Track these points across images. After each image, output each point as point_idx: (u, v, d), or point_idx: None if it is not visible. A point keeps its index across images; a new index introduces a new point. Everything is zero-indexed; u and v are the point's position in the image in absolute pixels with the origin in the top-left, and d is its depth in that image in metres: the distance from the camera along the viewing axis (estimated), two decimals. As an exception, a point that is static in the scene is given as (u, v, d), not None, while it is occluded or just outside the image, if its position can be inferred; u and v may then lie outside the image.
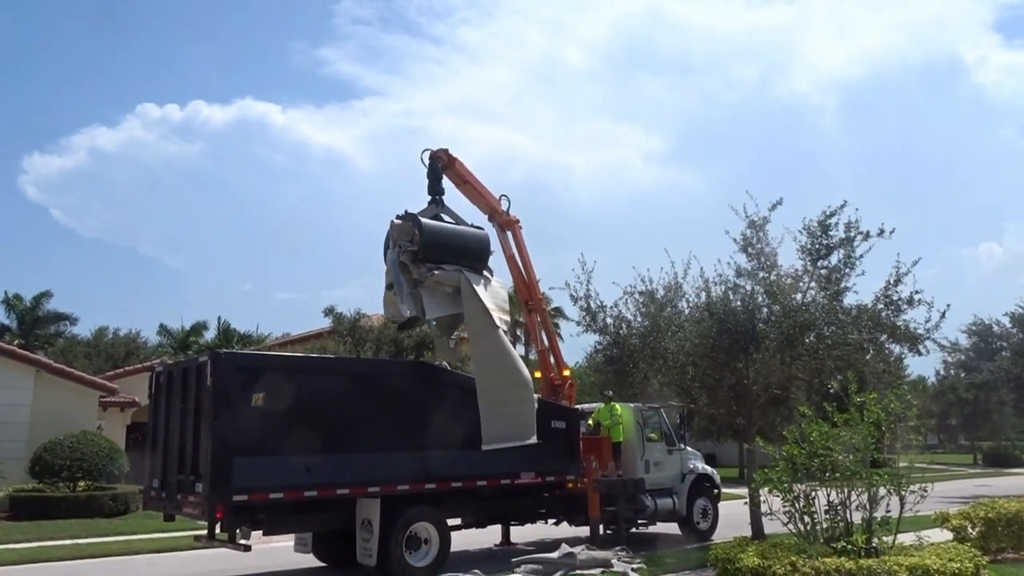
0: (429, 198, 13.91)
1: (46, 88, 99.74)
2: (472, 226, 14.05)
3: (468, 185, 14.73)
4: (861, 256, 13.20)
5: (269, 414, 10.45)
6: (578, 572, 10.82)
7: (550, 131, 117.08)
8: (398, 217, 13.17)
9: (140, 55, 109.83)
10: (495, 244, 14.74)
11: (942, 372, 46.11)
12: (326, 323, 31.22)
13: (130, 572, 12.25)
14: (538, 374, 15.91)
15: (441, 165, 14.06)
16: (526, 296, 16.08)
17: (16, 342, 34.65)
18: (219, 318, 46.86)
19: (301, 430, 10.73)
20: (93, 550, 14.56)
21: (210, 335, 46.82)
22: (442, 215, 13.77)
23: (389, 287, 13.09)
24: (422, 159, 14.04)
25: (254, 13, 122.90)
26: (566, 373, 16.14)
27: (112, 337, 48.81)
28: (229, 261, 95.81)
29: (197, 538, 11.57)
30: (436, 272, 12.83)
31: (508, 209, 15.12)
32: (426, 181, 14.00)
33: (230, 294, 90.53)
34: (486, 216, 15.14)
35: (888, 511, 7.88)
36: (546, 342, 16.02)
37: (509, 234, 15.25)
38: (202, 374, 10.56)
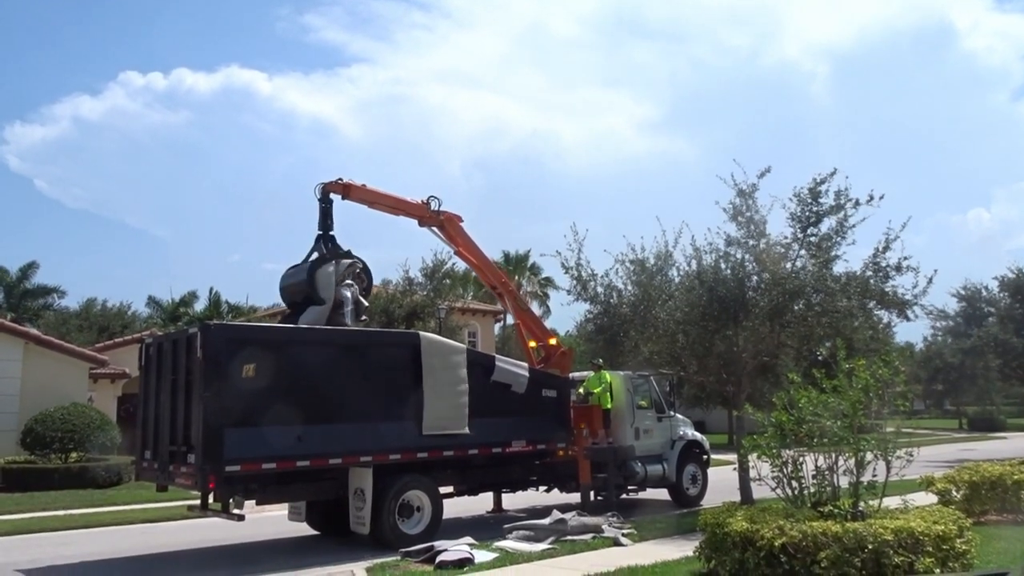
0: (318, 234, 13.36)
1: (25, 56, 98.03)
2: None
3: (379, 204, 14.30)
4: (853, 225, 13.25)
5: (260, 385, 10.46)
6: (569, 538, 10.94)
7: (539, 99, 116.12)
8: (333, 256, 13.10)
9: (121, 21, 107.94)
10: (435, 251, 14.53)
11: (929, 338, 46.54)
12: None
13: (125, 542, 12.32)
14: (533, 343, 15.97)
15: (341, 195, 13.57)
16: (490, 283, 16.13)
17: (10, 316, 34.45)
18: (210, 289, 46.71)
19: (292, 400, 10.76)
20: (87, 520, 14.65)
21: (200, 306, 46.74)
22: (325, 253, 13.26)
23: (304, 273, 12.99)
24: (315, 194, 13.50)
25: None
26: (552, 341, 16.22)
27: (101, 309, 48.60)
28: (218, 232, 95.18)
29: (190, 508, 11.63)
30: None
31: (440, 207, 14.73)
32: (320, 214, 13.46)
33: (219, 265, 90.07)
34: (416, 222, 14.86)
35: (874, 476, 7.96)
36: (519, 318, 16.18)
37: (448, 232, 15.05)
38: (192, 346, 10.55)
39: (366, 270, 13.76)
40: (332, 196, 13.52)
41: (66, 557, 11.03)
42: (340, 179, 13.59)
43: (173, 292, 47.88)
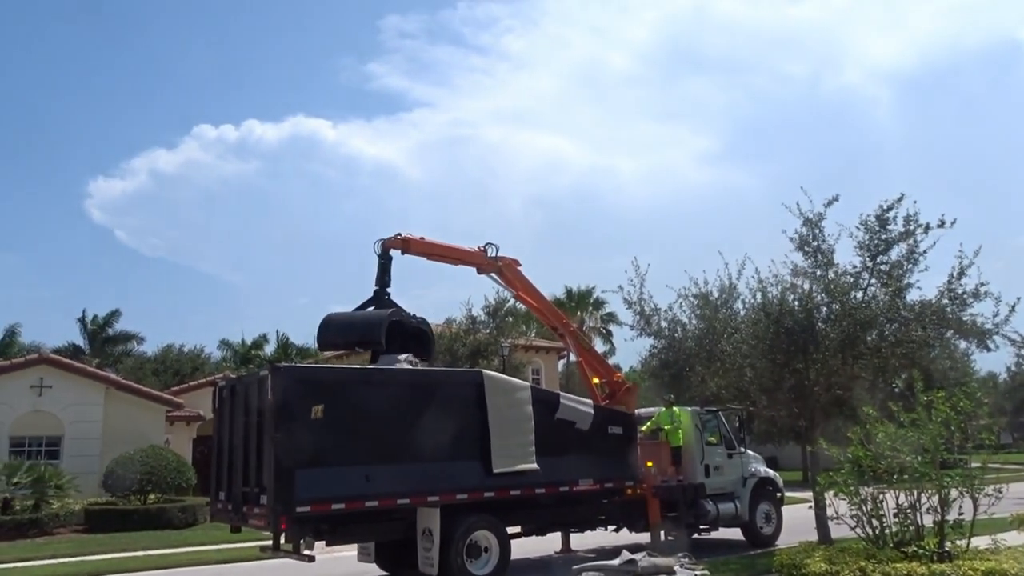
0: (375, 289, 13.43)
1: (106, 113, 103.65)
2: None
3: (437, 256, 14.40)
4: (924, 252, 12.85)
5: (329, 426, 10.62)
6: (640, 579, 10.69)
7: (597, 135, 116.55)
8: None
9: (193, 77, 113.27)
10: (497, 289, 14.59)
11: (1014, 368, 44.37)
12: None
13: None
14: (596, 380, 15.86)
15: (401, 251, 13.70)
16: (550, 324, 16.13)
17: (96, 362, 36.03)
18: (278, 332, 47.93)
19: (360, 441, 10.89)
20: (165, 561, 15.03)
21: (270, 349, 47.94)
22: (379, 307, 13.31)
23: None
24: (375, 249, 13.60)
25: (302, 31, 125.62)
26: (618, 377, 16.08)
27: (178, 353, 50.37)
28: (285, 276, 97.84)
29: (263, 549, 11.80)
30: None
31: (496, 254, 14.78)
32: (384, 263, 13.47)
33: (287, 308, 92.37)
34: (475, 270, 14.98)
35: (960, 514, 7.62)
36: (581, 356, 16.12)
37: (507, 277, 15.10)
38: (263, 388, 10.80)
39: (428, 337, 13.89)
40: (392, 252, 13.68)
41: (145, 597, 11.31)
42: (399, 234, 13.80)
43: (244, 335, 49.31)
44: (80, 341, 44.64)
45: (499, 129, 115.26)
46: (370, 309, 13.32)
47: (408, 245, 13.85)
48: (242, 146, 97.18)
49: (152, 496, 21.32)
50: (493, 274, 15.15)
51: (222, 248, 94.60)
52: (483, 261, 14.84)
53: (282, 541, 10.88)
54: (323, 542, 11.13)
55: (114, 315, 45.29)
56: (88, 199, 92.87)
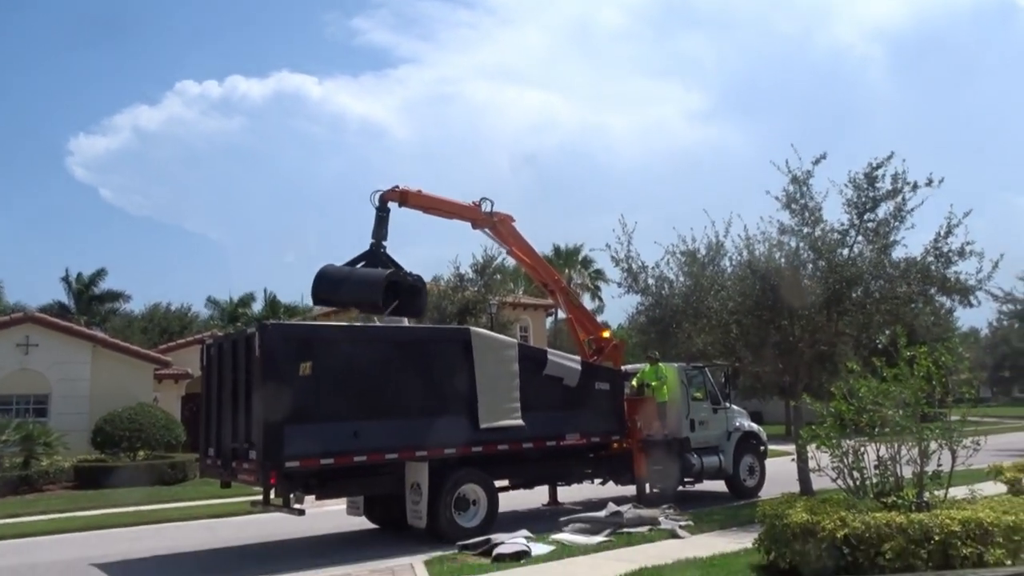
0: (371, 243, 13.33)
1: (86, 69, 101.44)
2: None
3: (435, 209, 14.36)
4: (912, 210, 12.90)
5: (317, 382, 10.68)
6: (625, 530, 10.92)
7: (587, 92, 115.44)
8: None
9: (174, 31, 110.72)
10: (485, 247, 14.77)
11: (995, 323, 44.95)
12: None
13: (192, 536, 12.73)
14: (584, 337, 15.96)
15: (399, 203, 13.62)
16: (541, 280, 16.14)
17: (83, 320, 35.85)
18: (265, 290, 47.79)
19: (348, 397, 10.96)
20: (156, 516, 15.17)
21: (257, 307, 47.82)
22: (376, 263, 13.23)
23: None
24: (372, 201, 13.51)
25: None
26: (605, 334, 16.21)
27: (165, 312, 50.19)
28: (272, 234, 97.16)
29: (253, 503, 11.94)
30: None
31: (492, 209, 14.78)
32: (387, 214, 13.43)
33: (274, 266, 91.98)
34: (469, 225, 14.97)
35: (939, 465, 7.76)
36: (571, 313, 16.26)
37: (501, 233, 15.12)
38: (251, 346, 10.82)
39: (422, 294, 13.87)
40: (389, 204, 13.60)
41: (138, 552, 11.45)
42: (397, 186, 13.71)
43: (232, 293, 49.14)
44: (66, 300, 44.39)
45: (487, 86, 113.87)
46: (361, 265, 13.24)
47: (406, 198, 13.78)
48: (226, 103, 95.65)
49: (142, 453, 21.43)
50: (487, 230, 15.14)
51: (208, 206, 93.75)
52: (478, 216, 14.81)
53: (272, 496, 11.01)
54: (312, 496, 11.28)
55: (100, 274, 44.98)
56: (70, 156, 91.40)
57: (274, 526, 12.77)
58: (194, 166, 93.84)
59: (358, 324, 12.63)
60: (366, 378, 11.21)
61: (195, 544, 12.02)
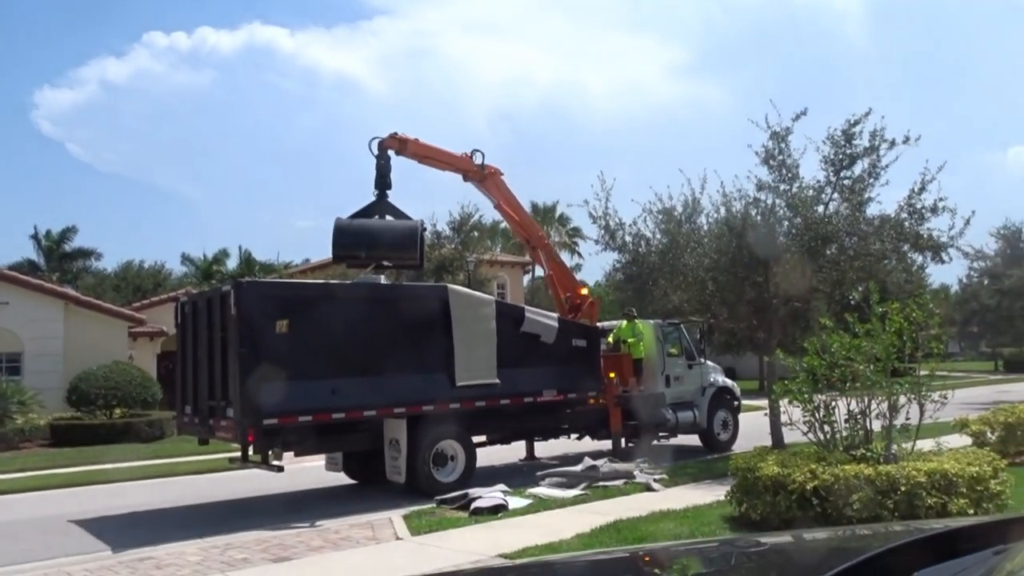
0: (375, 193, 13.36)
1: (51, 19, 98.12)
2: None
3: (430, 159, 14.30)
4: (887, 166, 12.96)
5: (294, 340, 10.65)
6: (601, 484, 11.10)
7: (565, 47, 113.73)
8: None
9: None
10: (479, 199, 14.80)
11: (966, 280, 45.74)
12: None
13: (172, 493, 12.75)
14: (563, 294, 16.02)
15: (395, 151, 13.51)
16: (525, 236, 16.12)
17: (54, 277, 35.28)
18: (240, 247, 47.26)
19: (326, 355, 10.95)
20: (134, 473, 15.16)
21: (232, 264, 47.33)
22: (384, 213, 13.32)
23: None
24: (371, 149, 13.45)
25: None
26: (583, 292, 16.28)
27: (138, 269, 49.56)
28: (247, 190, 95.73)
29: (231, 460, 11.98)
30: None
31: (483, 162, 14.74)
32: (377, 171, 13.45)
33: (249, 223, 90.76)
34: (460, 177, 14.89)
35: (908, 419, 7.94)
36: (553, 270, 16.29)
37: (490, 186, 15.05)
38: (226, 303, 10.74)
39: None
40: (388, 154, 13.51)
41: (117, 508, 11.46)
42: (395, 133, 13.59)
43: (206, 251, 48.55)
44: (36, 258, 43.62)
45: (463, 39, 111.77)
46: (376, 217, 13.13)
47: (404, 145, 13.69)
48: (195, 55, 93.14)
49: (118, 411, 21.34)
50: (476, 183, 15.05)
51: (180, 162, 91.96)
52: (470, 168, 14.76)
53: (250, 453, 11.05)
54: (291, 453, 11.32)
55: (70, 231, 44.19)
56: (35, 110, 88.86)
57: (252, 482, 12.82)
58: (164, 121, 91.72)
59: (335, 282, 12.58)
60: (344, 336, 11.19)
61: (173, 500, 12.05)
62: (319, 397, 10.76)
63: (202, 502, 11.97)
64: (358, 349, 11.33)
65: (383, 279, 13.76)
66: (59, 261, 43.88)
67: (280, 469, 10.91)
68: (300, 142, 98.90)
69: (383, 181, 13.41)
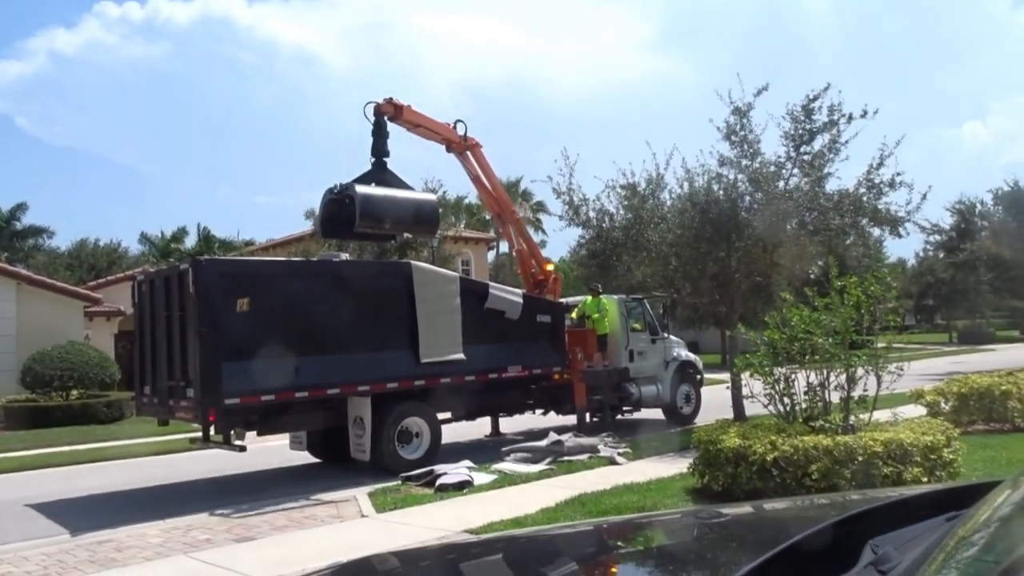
0: (372, 160, 13.23)
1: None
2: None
3: (421, 128, 14.17)
4: (846, 142, 13.11)
5: (255, 318, 10.49)
6: (566, 458, 11.18)
7: (529, 21, 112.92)
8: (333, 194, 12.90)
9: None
10: (457, 169, 14.78)
11: (922, 254, 46.74)
12: (308, 226, 30.98)
13: (131, 475, 12.55)
14: (527, 270, 16.04)
15: (388, 117, 13.36)
16: (497, 210, 16.04)
17: (4, 256, 34.29)
18: (199, 224, 46.49)
19: (288, 333, 10.80)
20: (91, 455, 14.88)
21: (191, 242, 46.55)
22: (386, 180, 13.21)
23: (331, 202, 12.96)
24: (366, 115, 13.30)
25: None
26: (549, 268, 16.30)
27: (93, 248, 48.38)
28: (205, 166, 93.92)
29: (192, 440, 11.81)
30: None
31: (465, 133, 14.68)
32: (372, 137, 13.34)
33: (208, 200, 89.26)
34: (444, 148, 14.77)
35: (865, 390, 8.09)
36: (523, 245, 16.16)
37: (471, 158, 14.92)
38: (184, 282, 10.53)
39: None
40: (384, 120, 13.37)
41: (74, 491, 11.24)
42: (390, 98, 13.41)
43: (164, 228, 47.64)
44: (-16, 236, 42.36)
45: (426, 12, 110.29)
46: (373, 184, 13.04)
47: (399, 112, 13.57)
48: (149, 26, 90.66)
49: (75, 392, 20.90)
50: (458, 154, 14.92)
51: (135, 137, 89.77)
52: (456, 138, 14.68)
53: (212, 433, 10.90)
54: (254, 432, 11.20)
55: (20, 208, 42.99)
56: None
57: (215, 463, 12.68)
58: (118, 94, 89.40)
59: (297, 259, 12.41)
60: (306, 314, 11.05)
61: (133, 482, 11.86)
62: (282, 376, 10.63)
63: (163, 483, 11.80)
64: (321, 327, 11.20)
65: (345, 256, 13.61)
66: (9, 239, 42.70)
67: (243, 449, 10.79)
68: (259, 116, 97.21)
69: (381, 148, 13.27)
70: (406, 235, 18.03)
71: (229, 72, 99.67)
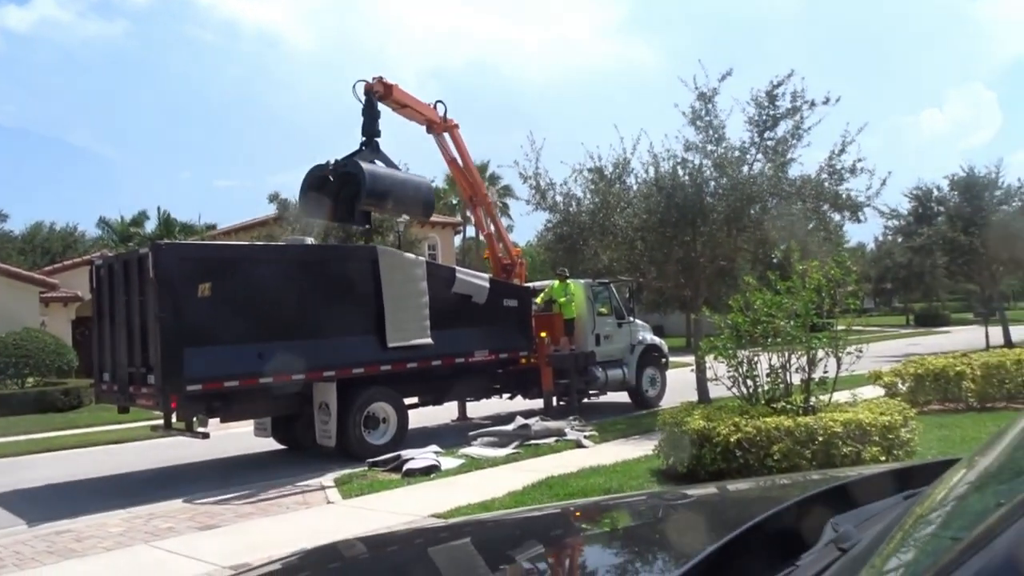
0: (363, 139, 13.03)
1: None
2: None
3: (408, 108, 14.03)
4: (809, 128, 13.29)
5: (217, 303, 10.33)
6: (533, 442, 11.23)
7: (496, 3, 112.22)
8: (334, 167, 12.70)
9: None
10: (434, 150, 14.67)
11: (881, 238, 47.57)
12: (272, 210, 30.55)
13: (90, 463, 12.33)
14: (488, 254, 16.04)
15: (378, 96, 13.20)
16: (469, 193, 15.98)
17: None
18: (159, 208, 45.58)
19: (251, 318, 10.67)
20: (49, 444, 14.59)
21: (151, 226, 45.65)
22: (378, 161, 13.02)
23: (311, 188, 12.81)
24: (355, 94, 13.10)
25: None
26: (516, 252, 16.32)
27: (48, 232, 47.22)
28: (166, 148, 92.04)
29: (154, 428, 11.63)
30: None
31: (445, 114, 14.60)
32: (361, 117, 13.13)
33: (169, 183, 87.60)
34: (424, 128, 14.66)
35: (825, 372, 8.24)
36: (492, 228, 16.13)
37: (449, 139, 14.84)
38: (144, 266, 10.34)
39: None
40: (364, 99, 13.18)
41: (30, 480, 11.02)
42: (381, 78, 13.22)
43: (123, 212, 46.63)
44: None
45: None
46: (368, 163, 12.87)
47: (389, 91, 13.40)
48: (106, 4, 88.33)
49: (31, 380, 20.45)
50: (437, 134, 14.80)
51: (93, 118, 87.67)
52: (437, 119, 14.60)
53: (174, 420, 10.75)
54: (217, 419, 11.06)
55: (-30, 191, 41.68)
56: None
57: (177, 450, 12.52)
58: (74, 74, 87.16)
59: (260, 244, 12.23)
60: (270, 298, 10.92)
61: (93, 471, 11.65)
62: (245, 361, 10.50)
63: (124, 472, 11.62)
64: (285, 312, 11.08)
65: (311, 240, 13.44)
66: (-40, 224, 41.44)
67: (206, 436, 10.66)
68: (221, 98, 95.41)
69: (371, 128, 13.07)
70: (404, 217, 17.96)
71: (189, 52, 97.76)
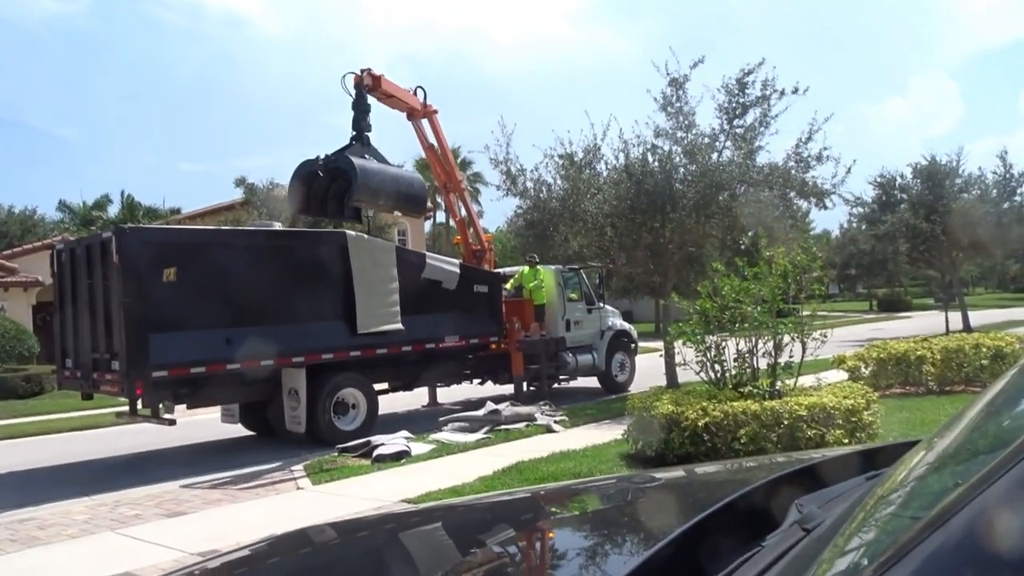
0: (353, 134, 12.87)
1: None
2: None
3: (394, 98, 13.88)
4: (777, 116, 13.42)
5: (184, 289, 10.20)
6: (503, 427, 11.27)
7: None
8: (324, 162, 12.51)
9: None
10: (412, 137, 14.57)
11: (845, 225, 48.31)
12: (238, 194, 30.16)
13: (51, 451, 12.11)
14: (458, 240, 16.00)
15: (367, 89, 13.02)
16: (444, 180, 15.90)
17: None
18: (122, 192, 44.68)
19: (218, 303, 10.55)
20: (8, 431, 14.33)
21: (114, 210, 44.74)
22: (369, 155, 12.87)
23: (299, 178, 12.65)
24: (344, 87, 12.89)
25: None
26: (487, 238, 16.30)
27: (6, 215, 46.02)
28: (129, 131, 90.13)
29: (119, 415, 11.47)
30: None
31: (425, 100, 14.48)
32: (351, 111, 12.96)
33: (132, 166, 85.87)
34: (404, 115, 14.54)
35: (791, 357, 8.38)
36: (464, 213, 16.10)
37: (427, 125, 14.73)
38: (107, 251, 10.15)
39: None
40: (354, 91, 12.98)
41: (-8, 469, 10.80)
42: (368, 70, 12.98)
43: (84, 196, 45.62)
44: None
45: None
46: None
47: (377, 83, 13.19)
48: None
49: (-10, 366, 20.03)
50: (417, 121, 14.66)
51: (52, 99, 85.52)
52: (419, 106, 14.46)
53: (139, 406, 10.61)
54: (183, 405, 10.94)
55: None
56: None
57: (143, 437, 12.35)
58: (32, 54, 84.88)
59: (227, 228, 12.05)
60: (237, 284, 10.79)
61: (56, 458, 11.45)
62: (212, 347, 10.39)
63: (88, 459, 11.44)
64: (253, 297, 10.96)
65: (278, 225, 13.29)
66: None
67: (172, 423, 10.55)
68: (186, 80, 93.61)
69: (361, 122, 12.88)
70: (396, 214, 17.89)
71: (152, 32, 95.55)
